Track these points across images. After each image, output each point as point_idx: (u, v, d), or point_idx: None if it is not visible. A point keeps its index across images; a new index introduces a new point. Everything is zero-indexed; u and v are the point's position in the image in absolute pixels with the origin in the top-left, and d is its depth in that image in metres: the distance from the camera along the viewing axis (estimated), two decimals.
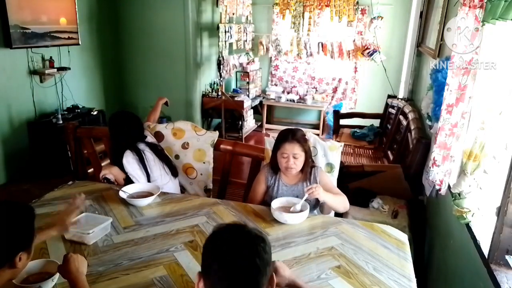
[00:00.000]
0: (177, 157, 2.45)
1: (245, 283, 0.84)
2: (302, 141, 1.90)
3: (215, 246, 0.88)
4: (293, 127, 2.02)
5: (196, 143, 2.40)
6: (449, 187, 1.97)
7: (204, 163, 2.41)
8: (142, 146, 2.19)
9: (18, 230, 1.10)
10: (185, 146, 2.42)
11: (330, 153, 2.21)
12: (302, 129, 2.07)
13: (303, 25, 5.79)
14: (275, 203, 1.84)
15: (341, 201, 1.90)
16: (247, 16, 5.85)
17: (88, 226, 1.63)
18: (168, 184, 2.21)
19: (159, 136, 2.46)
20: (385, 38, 5.51)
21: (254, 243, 0.87)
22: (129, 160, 2.11)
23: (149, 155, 2.18)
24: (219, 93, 5.32)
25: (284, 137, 1.90)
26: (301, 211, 1.80)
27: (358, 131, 4.55)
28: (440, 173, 1.96)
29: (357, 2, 5.48)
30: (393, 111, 4.17)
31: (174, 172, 2.29)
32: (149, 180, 2.15)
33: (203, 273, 0.88)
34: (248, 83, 5.94)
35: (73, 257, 1.25)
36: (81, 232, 1.57)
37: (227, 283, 0.84)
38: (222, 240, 0.88)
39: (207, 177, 2.43)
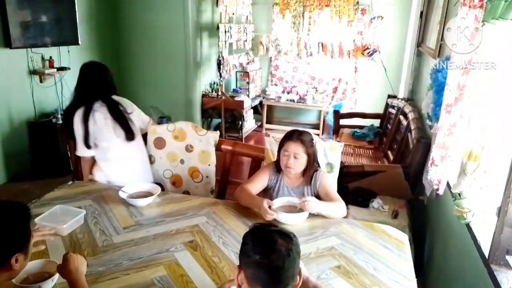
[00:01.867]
0: (182, 161, 2.41)
1: (281, 271, 0.96)
2: (307, 143, 1.86)
3: (255, 240, 1.00)
4: (302, 129, 1.99)
5: (199, 144, 2.37)
6: (449, 187, 1.96)
7: (209, 165, 2.39)
8: (97, 104, 2.14)
9: (12, 230, 1.07)
10: (188, 148, 2.39)
11: (330, 153, 2.21)
12: (302, 129, 2.05)
13: (303, 25, 5.79)
14: (275, 203, 1.83)
15: (336, 211, 1.84)
16: (247, 16, 5.84)
17: (62, 218, 1.68)
18: (118, 146, 2.16)
19: (160, 142, 2.40)
20: (385, 38, 5.51)
21: (289, 237, 1.00)
22: (78, 117, 2.11)
23: (99, 115, 2.13)
24: (219, 93, 5.32)
25: (289, 136, 1.89)
26: (301, 211, 1.80)
27: (358, 131, 4.55)
28: (438, 173, 1.96)
29: (357, 2, 5.48)
30: (393, 111, 4.17)
31: (129, 136, 2.20)
32: (87, 138, 2.12)
33: (243, 265, 1.00)
34: (248, 83, 5.93)
35: (72, 257, 1.25)
36: (54, 226, 1.62)
37: (269, 271, 0.95)
38: (261, 235, 1.01)
39: (211, 179, 2.41)
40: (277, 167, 1.96)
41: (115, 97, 2.23)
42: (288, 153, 1.86)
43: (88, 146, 2.15)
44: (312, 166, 1.91)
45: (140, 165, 2.36)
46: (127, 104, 2.27)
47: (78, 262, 1.24)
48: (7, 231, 1.05)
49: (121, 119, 2.18)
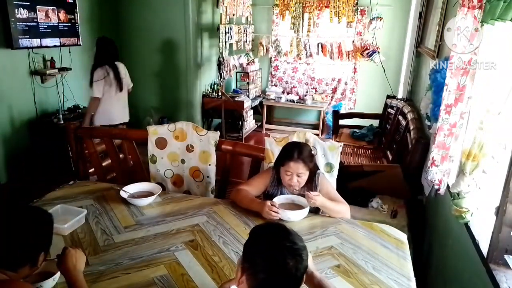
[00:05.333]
0: (183, 161, 2.42)
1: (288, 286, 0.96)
2: (308, 159, 1.81)
3: (264, 256, 0.96)
4: (300, 143, 1.93)
5: (200, 144, 2.38)
6: (448, 186, 1.97)
7: (210, 165, 2.40)
8: (107, 66, 3.43)
9: (42, 231, 1.17)
10: (189, 148, 2.39)
11: (329, 153, 2.22)
12: (302, 129, 2.05)
13: (302, 26, 5.81)
14: (276, 201, 1.84)
15: (339, 211, 1.85)
16: (247, 17, 5.86)
17: (64, 217, 1.70)
18: (115, 93, 3.50)
19: (161, 142, 2.40)
20: (384, 38, 5.52)
21: (299, 255, 0.96)
22: (98, 72, 3.41)
23: (110, 73, 3.45)
24: (219, 94, 5.33)
25: (290, 155, 1.80)
26: (301, 207, 1.81)
27: (357, 131, 4.56)
28: (439, 173, 1.97)
29: (357, 3, 5.49)
30: (392, 111, 4.18)
31: (120, 87, 3.53)
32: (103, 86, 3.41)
33: (247, 271, 0.97)
34: (248, 83, 5.95)
35: (71, 252, 1.26)
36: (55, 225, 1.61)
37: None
38: (271, 251, 0.96)
39: (212, 178, 2.42)
40: (278, 176, 1.92)
41: (117, 63, 3.55)
42: (291, 173, 1.82)
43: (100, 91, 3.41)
44: (312, 176, 1.89)
45: (123, 107, 3.71)
46: (122, 70, 3.60)
47: (77, 259, 1.26)
48: (38, 231, 1.16)
49: (118, 78, 3.51)
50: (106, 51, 3.50)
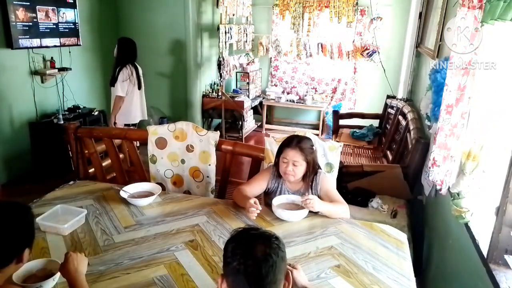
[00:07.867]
0: (183, 161, 2.42)
1: (264, 276, 0.91)
2: (306, 151, 1.83)
3: (234, 246, 0.95)
4: (302, 135, 1.96)
5: (200, 144, 2.38)
6: (448, 187, 1.97)
7: (209, 165, 2.40)
8: (130, 65, 3.57)
9: (24, 227, 1.14)
10: (189, 148, 2.40)
11: (329, 153, 2.22)
12: (302, 129, 2.06)
13: (302, 26, 5.81)
14: (275, 202, 1.84)
15: (339, 212, 1.85)
16: (247, 17, 5.86)
17: (63, 217, 1.70)
18: (135, 91, 3.65)
19: (161, 142, 2.41)
20: (385, 38, 5.52)
21: (269, 241, 0.96)
22: (124, 72, 3.52)
23: (134, 73, 3.60)
24: (219, 94, 5.33)
25: (288, 143, 1.85)
26: (301, 208, 1.80)
27: (357, 131, 4.57)
28: (441, 173, 1.96)
29: (357, 3, 5.49)
30: (392, 111, 4.18)
31: (139, 86, 3.69)
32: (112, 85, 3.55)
33: (225, 273, 0.96)
34: (248, 83, 5.95)
35: (72, 256, 1.26)
36: (55, 225, 1.64)
37: (247, 278, 0.91)
38: (240, 240, 0.97)
39: (211, 178, 2.42)
40: (278, 171, 1.94)
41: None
42: (287, 161, 1.84)
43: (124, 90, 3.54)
44: (311, 172, 1.89)
45: (143, 105, 3.81)
46: (140, 70, 3.74)
47: (78, 262, 1.26)
48: (19, 227, 1.13)
49: (138, 77, 3.68)
50: (128, 51, 3.62)
